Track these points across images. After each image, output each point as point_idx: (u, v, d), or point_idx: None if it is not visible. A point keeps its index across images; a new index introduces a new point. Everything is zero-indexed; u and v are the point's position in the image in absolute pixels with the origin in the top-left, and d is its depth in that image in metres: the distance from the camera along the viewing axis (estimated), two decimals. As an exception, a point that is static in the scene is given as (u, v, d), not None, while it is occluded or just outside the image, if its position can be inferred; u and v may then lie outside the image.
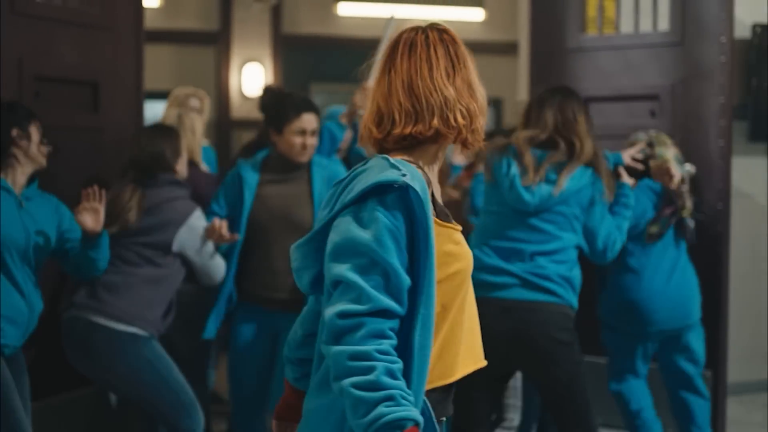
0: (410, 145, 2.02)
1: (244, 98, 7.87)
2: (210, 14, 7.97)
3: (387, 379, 1.75)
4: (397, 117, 1.99)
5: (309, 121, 4.03)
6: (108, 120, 4.80)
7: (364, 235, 1.84)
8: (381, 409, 1.72)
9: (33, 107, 3.92)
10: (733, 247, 5.55)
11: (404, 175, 1.87)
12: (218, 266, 3.99)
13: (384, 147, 2.04)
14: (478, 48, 7.02)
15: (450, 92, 2.02)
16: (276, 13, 8.06)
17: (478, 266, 3.59)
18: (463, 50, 2.11)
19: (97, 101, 4.76)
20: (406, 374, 1.83)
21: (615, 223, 3.95)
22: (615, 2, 6.01)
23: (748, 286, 6.26)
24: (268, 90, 4.34)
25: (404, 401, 1.74)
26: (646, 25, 5.81)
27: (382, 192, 1.87)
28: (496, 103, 8.82)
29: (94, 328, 3.75)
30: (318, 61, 8.52)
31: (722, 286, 5.27)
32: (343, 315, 1.78)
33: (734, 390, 5.87)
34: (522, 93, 8.32)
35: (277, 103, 4.12)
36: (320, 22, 8.37)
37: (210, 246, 3.95)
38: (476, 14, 8.59)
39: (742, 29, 6.23)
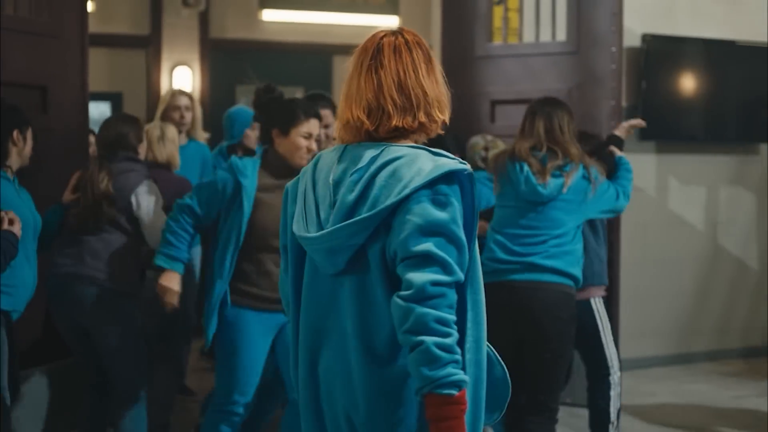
0: (400, 135, 2.29)
1: None
2: (141, 19, 8.32)
3: (457, 347, 2.12)
4: (390, 110, 2.25)
5: (315, 125, 4.09)
6: (56, 121, 5.20)
7: (443, 215, 2.13)
8: (450, 369, 2.08)
9: None
10: (624, 235, 6.15)
11: (463, 163, 2.23)
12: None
13: (374, 137, 2.30)
14: None
15: (431, 90, 2.30)
16: (204, 19, 8.42)
17: (492, 257, 4.23)
18: (430, 51, 2.41)
19: (46, 104, 5.16)
20: (461, 342, 2.21)
21: (619, 184, 4.53)
22: (518, 14, 6.60)
23: (636, 271, 6.90)
24: (267, 89, 4.35)
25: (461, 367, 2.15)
26: (545, 36, 6.41)
27: (450, 178, 2.17)
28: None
29: (83, 288, 4.24)
30: (243, 63, 8.86)
31: (614, 271, 5.87)
32: (434, 283, 2.09)
33: (625, 366, 6.50)
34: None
35: (286, 105, 4.20)
36: (246, 28, 8.73)
37: (159, 211, 4.40)
38: (391, 21, 9.09)
39: (634, 38, 6.85)
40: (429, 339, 2.08)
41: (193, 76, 8.38)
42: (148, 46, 8.35)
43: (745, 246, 7.38)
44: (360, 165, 2.25)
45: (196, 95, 8.36)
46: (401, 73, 2.28)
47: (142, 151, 4.64)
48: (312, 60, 9.09)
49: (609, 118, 6.01)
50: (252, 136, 5.71)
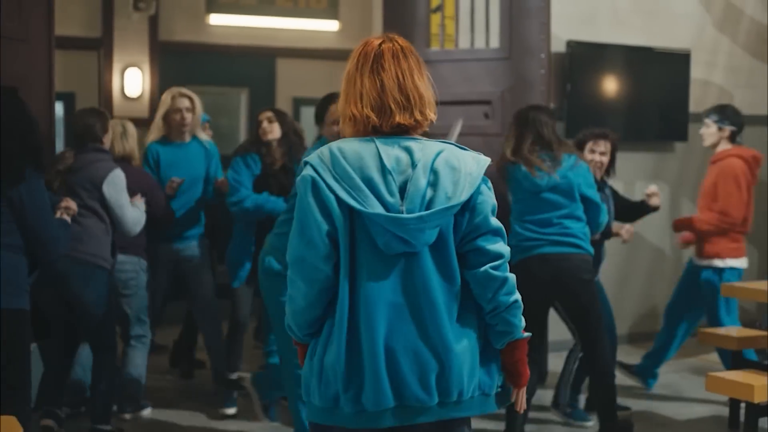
0: (401, 132, 2.56)
1: (126, 99, 8.53)
2: (93, 22, 8.58)
3: None
4: (393, 108, 2.53)
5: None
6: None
7: (494, 200, 2.61)
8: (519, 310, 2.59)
9: None
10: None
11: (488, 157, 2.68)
12: (132, 218, 5.06)
13: (379, 131, 2.56)
14: (334, 55, 8.07)
15: (424, 91, 2.59)
16: (153, 22, 8.70)
17: (522, 238, 5.16)
18: (419, 57, 2.73)
19: (17, 103, 5.50)
20: None
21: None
22: (454, 22, 7.08)
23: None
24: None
25: None
26: (480, 43, 6.89)
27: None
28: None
29: (71, 266, 4.83)
30: (191, 65, 9.16)
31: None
32: (507, 253, 2.59)
33: (553, 347, 7.01)
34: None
35: (323, 101, 4.97)
36: (194, 31, 9.02)
37: (126, 200, 5.02)
38: (332, 25, 9.49)
39: (559, 44, 7.37)
40: (516, 295, 2.58)
41: (143, 77, 8.67)
42: (100, 48, 8.62)
43: (662, 236, 7.97)
44: (416, 156, 2.53)
45: (146, 96, 8.67)
46: (400, 76, 2.56)
47: (107, 142, 5.16)
48: (256, 62, 9.42)
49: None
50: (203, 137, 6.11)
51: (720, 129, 6.11)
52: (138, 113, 8.39)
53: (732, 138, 6.11)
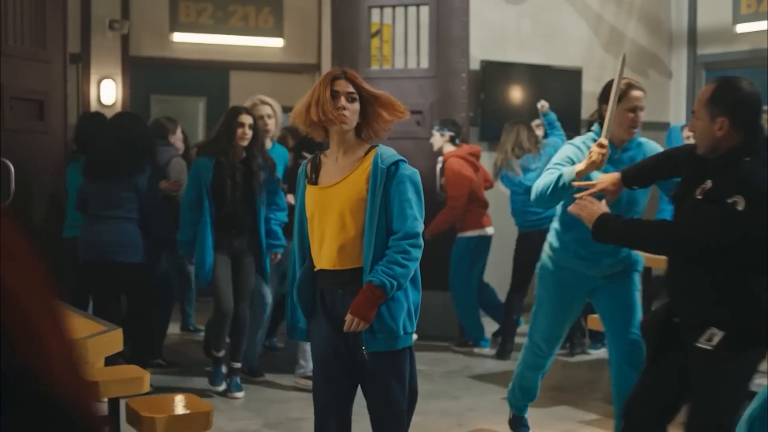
0: None
1: (102, 106, 9.60)
2: (74, 39, 9.61)
3: None
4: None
5: None
6: (49, 125, 6.84)
7: None
8: None
9: (7, 117, 6.04)
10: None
11: None
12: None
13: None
14: (279, 68, 9.53)
15: None
16: (125, 40, 9.74)
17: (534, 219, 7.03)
18: None
19: (43, 113, 6.79)
20: None
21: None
22: (391, 45, 8.51)
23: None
24: None
25: None
26: (412, 63, 8.32)
27: None
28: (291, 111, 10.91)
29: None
30: (157, 77, 10.22)
31: (463, 238, 7.87)
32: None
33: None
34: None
35: None
36: (159, 47, 10.01)
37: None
38: (277, 42, 10.68)
39: (475, 63, 8.87)
40: None
41: (116, 87, 9.78)
42: (79, 62, 9.69)
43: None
44: None
45: (118, 105, 9.76)
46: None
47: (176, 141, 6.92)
48: (212, 74, 10.50)
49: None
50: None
51: (442, 135, 7.59)
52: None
53: (452, 141, 7.56)
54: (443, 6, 8.07)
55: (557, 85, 9.49)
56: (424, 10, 8.15)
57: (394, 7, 8.24)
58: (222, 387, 6.13)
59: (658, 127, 9.44)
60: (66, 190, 6.87)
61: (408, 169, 3.44)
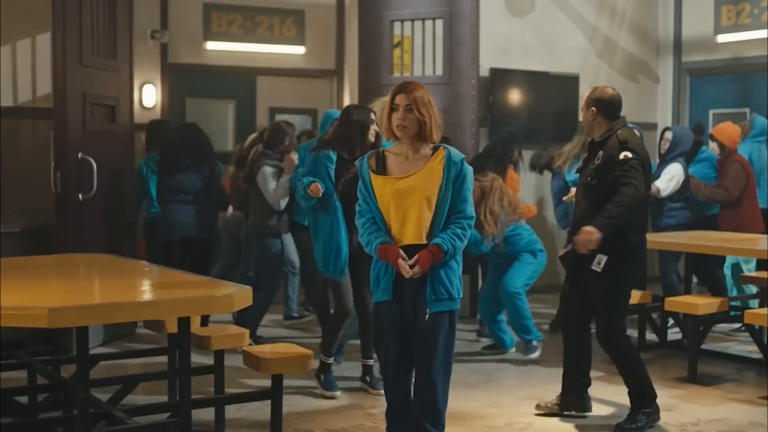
0: None
1: (143, 109, 10.55)
2: None
3: None
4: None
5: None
6: (119, 127, 7.85)
7: None
8: None
9: (88, 120, 7.09)
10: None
11: None
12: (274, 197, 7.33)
13: None
14: (301, 73, 10.64)
15: None
16: (164, 48, 10.80)
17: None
18: None
19: (115, 116, 7.79)
20: None
21: None
22: (410, 55, 9.52)
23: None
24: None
25: None
26: (428, 71, 9.31)
27: None
28: (312, 113, 11.98)
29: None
30: (191, 82, 11.15)
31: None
32: None
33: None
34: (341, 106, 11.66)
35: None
36: (194, 54, 10.91)
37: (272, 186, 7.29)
38: (299, 50, 11.65)
39: (484, 71, 9.86)
40: None
41: (156, 92, 10.74)
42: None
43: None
44: None
45: (158, 107, 10.74)
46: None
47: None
48: (241, 79, 11.49)
49: (470, 126, 9.02)
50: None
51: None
52: (148, 119, 10.29)
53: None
54: (456, 19, 9.06)
55: (557, 90, 10.53)
56: (439, 23, 9.14)
57: (413, 20, 9.23)
58: (338, 392, 6.09)
59: (647, 128, 10.46)
60: (135, 182, 7.97)
61: (468, 167, 4.22)
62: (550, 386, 6.12)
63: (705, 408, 5.83)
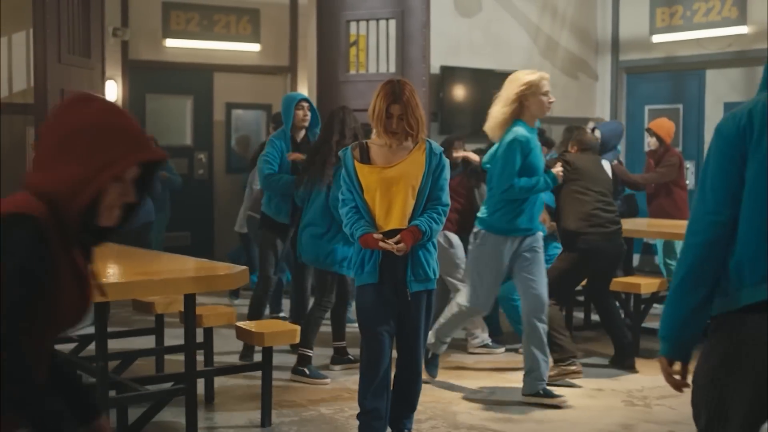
0: None
1: None
2: None
3: None
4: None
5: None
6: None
7: None
8: None
9: None
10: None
11: None
12: None
13: None
14: (257, 70, 11.11)
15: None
16: (125, 45, 11.13)
17: None
18: None
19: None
20: None
21: None
22: (365, 53, 10.02)
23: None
24: None
25: None
26: (383, 68, 9.82)
27: None
28: (267, 108, 12.39)
29: None
30: (151, 78, 11.51)
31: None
32: None
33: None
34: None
35: None
36: (153, 51, 11.31)
37: None
38: (254, 47, 12.07)
39: (435, 68, 10.39)
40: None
41: (118, 87, 11.09)
42: None
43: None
44: None
45: (120, 102, 11.08)
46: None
47: None
48: (199, 75, 11.85)
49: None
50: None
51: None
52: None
53: None
54: (408, 20, 9.57)
55: (501, 87, 11.08)
56: (392, 23, 9.65)
57: (368, 20, 9.72)
58: (328, 379, 6.38)
59: (586, 122, 11.08)
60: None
61: (446, 159, 4.67)
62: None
63: (647, 378, 6.43)
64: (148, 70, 11.51)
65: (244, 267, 4.70)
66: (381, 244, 4.50)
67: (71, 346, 6.00)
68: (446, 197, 4.70)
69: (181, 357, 5.43)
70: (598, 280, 6.81)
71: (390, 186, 4.58)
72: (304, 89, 11.76)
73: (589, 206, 6.49)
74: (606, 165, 8.49)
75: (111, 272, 4.57)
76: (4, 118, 8.14)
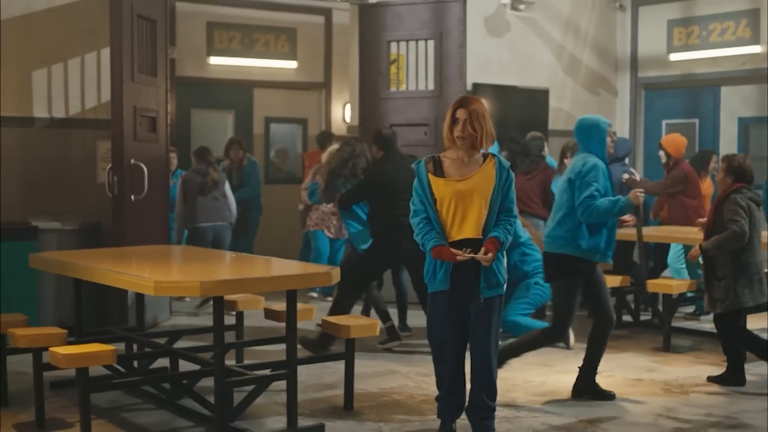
0: None
1: None
2: None
3: None
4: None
5: None
6: (160, 135, 8.86)
7: None
8: None
9: (138, 130, 8.13)
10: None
11: None
12: None
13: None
14: (294, 86, 11.90)
15: None
16: (172, 63, 11.74)
17: None
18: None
19: (156, 126, 8.79)
20: None
21: None
22: (404, 71, 10.63)
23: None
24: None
25: None
26: (421, 86, 10.43)
27: None
28: (303, 122, 13.05)
29: None
30: (196, 94, 12.21)
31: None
32: None
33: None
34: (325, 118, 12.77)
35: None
36: (198, 69, 12.02)
37: None
38: (292, 64, 12.72)
39: (468, 85, 11.03)
40: None
41: (167, 102, 11.75)
42: None
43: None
44: None
45: (168, 118, 11.72)
46: None
47: None
48: (240, 91, 12.52)
49: (458, 135, 10.17)
50: None
51: None
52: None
53: None
54: (446, 40, 10.20)
55: (529, 102, 11.74)
56: (431, 44, 10.28)
57: (407, 41, 10.36)
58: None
59: (609, 136, 11.73)
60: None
61: (512, 172, 4.98)
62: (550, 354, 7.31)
63: (680, 369, 7.06)
64: (193, 86, 12.15)
65: (336, 267, 5.34)
66: (459, 258, 4.81)
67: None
68: (515, 209, 5.05)
69: (259, 348, 6.12)
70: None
71: (464, 198, 4.87)
72: (338, 105, 12.41)
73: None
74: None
75: (209, 270, 5.15)
76: (76, 132, 8.74)
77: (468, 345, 5.09)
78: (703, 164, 9.56)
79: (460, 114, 4.91)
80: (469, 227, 4.88)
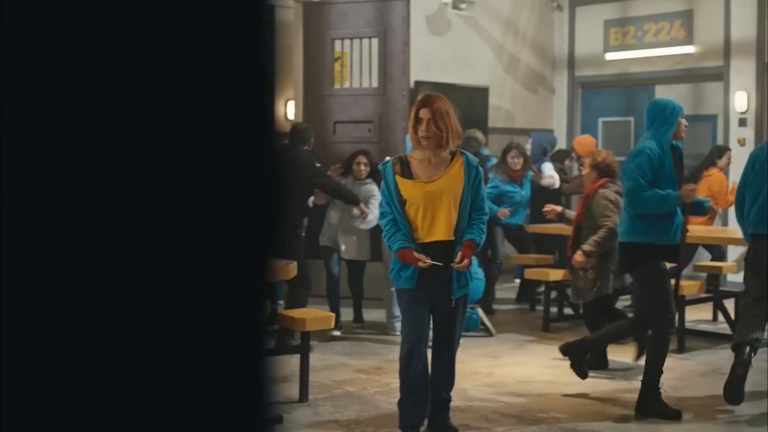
0: None
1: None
2: None
3: None
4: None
5: None
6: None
7: None
8: None
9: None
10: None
11: None
12: None
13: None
14: None
15: None
16: None
17: None
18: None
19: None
20: None
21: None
22: (348, 69, 10.73)
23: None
24: None
25: None
26: (365, 83, 10.53)
27: None
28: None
29: None
30: None
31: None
32: None
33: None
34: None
35: None
36: None
37: None
38: None
39: (411, 83, 11.17)
40: None
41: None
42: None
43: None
44: None
45: None
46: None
47: None
48: None
49: (402, 131, 10.26)
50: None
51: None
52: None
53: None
54: (389, 38, 10.32)
55: (469, 100, 11.92)
56: (375, 42, 10.39)
57: (351, 39, 10.46)
58: None
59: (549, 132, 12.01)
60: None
61: (480, 169, 4.87)
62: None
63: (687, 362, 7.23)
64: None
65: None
66: (421, 264, 4.71)
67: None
68: (486, 206, 4.95)
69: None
70: None
71: (434, 200, 4.76)
72: (281, 102, 12.44)
73: None
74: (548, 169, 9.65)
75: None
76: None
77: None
78: (715, 159, 9.51)
79: (424, 113, 4.78)
80: (439, 229, 4.79)
